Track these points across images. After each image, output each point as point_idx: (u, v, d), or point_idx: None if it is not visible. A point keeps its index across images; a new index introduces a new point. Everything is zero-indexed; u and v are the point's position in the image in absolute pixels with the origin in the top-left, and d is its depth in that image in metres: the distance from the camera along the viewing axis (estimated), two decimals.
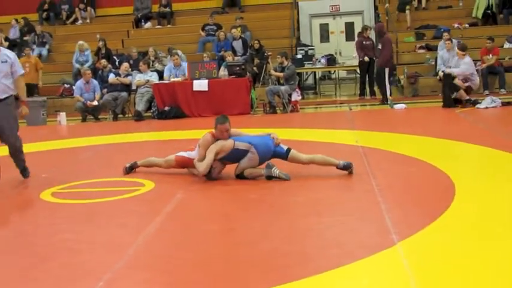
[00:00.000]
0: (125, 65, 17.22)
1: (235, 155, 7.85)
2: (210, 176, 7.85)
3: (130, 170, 8.91)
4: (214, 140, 7.93)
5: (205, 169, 7.72)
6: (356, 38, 18.98)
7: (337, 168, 7.77)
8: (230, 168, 8.16)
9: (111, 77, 16.76)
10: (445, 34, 17.99)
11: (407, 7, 20.83)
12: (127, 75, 16.84)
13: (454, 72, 14.38)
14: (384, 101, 16.09)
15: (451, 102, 14.18)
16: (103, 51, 19.87)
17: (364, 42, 17.71)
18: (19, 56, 20.27)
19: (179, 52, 17.91)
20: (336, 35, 24.72)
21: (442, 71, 15.02)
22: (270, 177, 7.70)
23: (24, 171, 8.63)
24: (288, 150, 7.94)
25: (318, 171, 7.93)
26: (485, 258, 4.68)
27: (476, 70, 15.48)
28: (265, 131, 8.97)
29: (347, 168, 7.73)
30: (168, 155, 8.70)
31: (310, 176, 7.88)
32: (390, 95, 16.31)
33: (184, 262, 4.99)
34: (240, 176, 7.86)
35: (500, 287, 4.20)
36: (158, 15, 23.47)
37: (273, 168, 7.69)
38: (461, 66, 14.42)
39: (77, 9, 24.34)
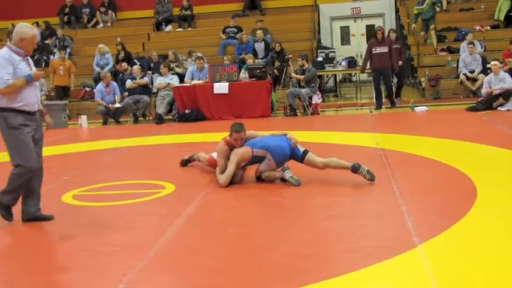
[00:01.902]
0: (136, 67, 17.25)
1: (254, 161, 7.90)
2: (232, 182, 7.88)
3: (187, 163, 9.34)
4: (229, 147, 7.97)
5: (226, 182, 7.76)
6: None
7: (351, 171, 7.65)
8: (250, 172, 8.17)
9: (128, 82, 16.78)
10: (470, 35, 17.88)
11: (432, 26, 20.14)
12: (142, 77, 16.89)
13: (497, 88, 14.18)
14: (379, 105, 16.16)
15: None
16: (122, 54, 19.92)
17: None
18: (40, 60, 20.61)
19: (199, 54, 17.94)
20: (356, 37, 24.64)
21: (483, 92, 14.57)
22: (283, 180, 7.69)
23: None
24: (305, 152, 7.92)
25: (337, 174, 7.90)
26: (506, 262, 4.65)
27: None
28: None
29: (355, 169, 7.56)
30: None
31: (329, 178, 7.86)
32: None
33: (203, 266, 4.99)
34: (260, 179, 7.88)
35: None
36: (179, 18, 23.52)
37: (286, 172, 7.68)
38: (506, 80, 14.20)
39: (97, 12, 24.46)
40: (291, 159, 7.94)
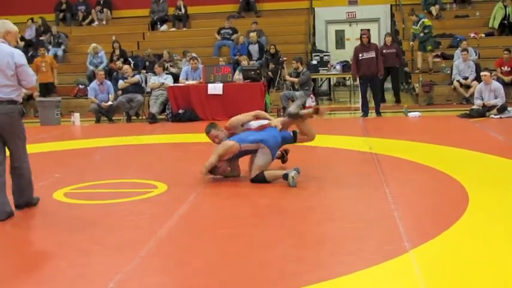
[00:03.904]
0: (126, 67, 17.22)
1: (244, 154, 7.97)
2: (215, 175, 8.06)
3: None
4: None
5: (204, 171, 7.99)
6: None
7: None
8: (242, 172, 8.18)
9: (120, 83, 16.75)
10: (464, 43, 17.88)
11: (429, 48, 19.23)
12: (133, 76, 16.88)
13: (491, 103, 14.20)
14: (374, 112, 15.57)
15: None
16: (117, 53, 19.87)
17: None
18: (34, 56, 20.54)
19: (193, 54, 17.93)
20: (351, 41, 24.61)
21: (477, 105, 14.37)
22: (285, 176, 7.61)
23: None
24: (294, 132, 8.17)
25: (331, 177, 7.92)
26: (497, 268, 4.66)
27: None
28: None
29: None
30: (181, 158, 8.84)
31: (322, 182, 7.87)
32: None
33: (194, 267, 4.99)
34: (259, 180, 7.78)
35: None
36: (174, 18, 23.50)
37: (293, 173, 7.58)
38: (500, 95, 14.19)
39: (93, 10, 24.41)
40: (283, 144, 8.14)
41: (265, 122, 8.25)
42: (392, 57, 17.45)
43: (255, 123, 8.21)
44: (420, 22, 19.03)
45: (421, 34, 18.98)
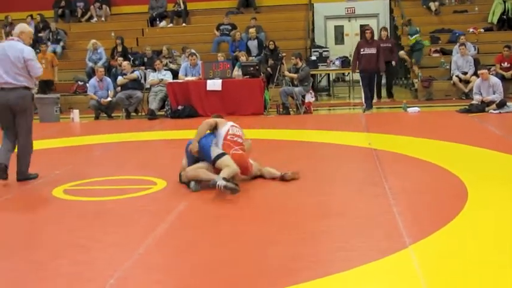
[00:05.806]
0: (125, 63, 17.21)
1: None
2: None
3: None
4: None
5: None
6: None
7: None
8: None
9: (119, 79, 16.74)
10: (461, 38, 17.87)
11: (413, 60, 19.37)
12: (133, 71, 16.89)
13: (489, 99, 14.17)
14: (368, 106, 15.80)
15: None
16: (119, 49, 19.86)
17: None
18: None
19: (192, 50, 17.92)
20: (350, 37, 24.63)
21: (476, 101, 14.37)
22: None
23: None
24: (218, 157, 7.52)
25: (330, 173, 7.91)
26: (496, 263, 4.66)
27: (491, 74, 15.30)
28: (278, 132, 8.88)
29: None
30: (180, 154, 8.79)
31: (321, 178, 7.86)
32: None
33: (193, 263, 4.98)
34: (180, 178, 7.76)
35: None
36: (173, 14, 23.48)
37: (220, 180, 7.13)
38: (498, 91, 14.17)
39: (92, 7, 24.36)
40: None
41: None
42: (387, 51, 17.34)
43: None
44: (414, 36, 19.12)
45: (411, 48, 19.36)
